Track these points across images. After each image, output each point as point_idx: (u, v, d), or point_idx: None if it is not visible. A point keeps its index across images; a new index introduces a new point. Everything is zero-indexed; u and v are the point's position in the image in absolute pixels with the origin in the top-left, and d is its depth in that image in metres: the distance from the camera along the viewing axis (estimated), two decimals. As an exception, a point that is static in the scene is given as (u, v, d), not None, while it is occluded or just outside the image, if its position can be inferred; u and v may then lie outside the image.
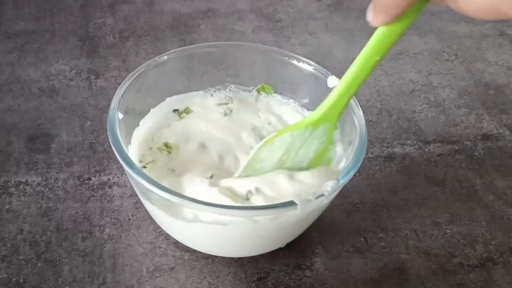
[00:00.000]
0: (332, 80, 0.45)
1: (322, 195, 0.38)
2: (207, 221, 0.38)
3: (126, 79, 0.44)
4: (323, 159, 0.43)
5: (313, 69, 0.48)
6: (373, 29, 0.73)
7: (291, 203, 0.37)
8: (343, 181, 0.39)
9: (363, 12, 0.79)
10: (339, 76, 0.62)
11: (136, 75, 0.44)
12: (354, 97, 0.44)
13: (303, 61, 0.48)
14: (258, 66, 0.49)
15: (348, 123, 0.44)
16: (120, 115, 0.42)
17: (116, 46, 0.64)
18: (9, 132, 0.53)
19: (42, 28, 0.65)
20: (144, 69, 0.45)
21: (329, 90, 0.46)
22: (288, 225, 0.40)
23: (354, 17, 0.71)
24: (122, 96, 0.43)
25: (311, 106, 0.48)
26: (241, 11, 0.71)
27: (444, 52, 0.67)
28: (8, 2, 0.69)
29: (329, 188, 0.38)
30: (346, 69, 0.63)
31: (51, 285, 0.42)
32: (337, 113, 0.41)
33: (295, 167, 0.42)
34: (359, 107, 0.44)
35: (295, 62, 0.48)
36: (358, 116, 0.43)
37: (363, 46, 0.69)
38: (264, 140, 0.41)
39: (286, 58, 0.48)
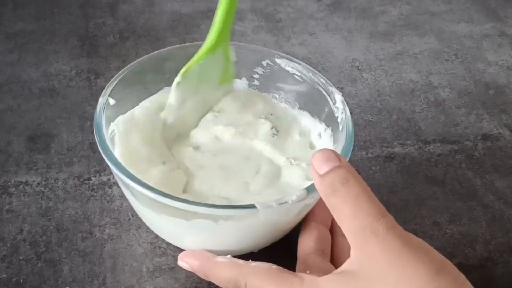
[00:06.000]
0: None
1: (285, 202, 0.37)
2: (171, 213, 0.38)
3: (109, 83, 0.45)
4: (226, 76, 0.48)
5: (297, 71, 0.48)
6: (374, 30, 0.73)
7: (252, 206, 0.36)
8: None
9: (363, 12, 0.79)
10: (339, 76, 0.62)
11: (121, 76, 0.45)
12: (343, 97, 0.45)
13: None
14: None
15: (334, 125, 0.44)
16: (112, 101, 0.43)
17: (116, 46, 0.64)
18: (9, 132, 0.53)
19: (42, 28, 0.65)
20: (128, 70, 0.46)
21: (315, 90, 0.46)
22: (252, 229, 0.39)
23: (354, 17, 0.71)
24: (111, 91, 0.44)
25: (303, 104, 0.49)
26: (241, 11, 0.70)
27: (444, 52, 0.67)
28: (8, 2, 0.69)
29: (294, 197, 0.37)
30: (346, 69, 0.63)
31: (51, 285, 0.42)
32: (227, 32, 0.45)
33: (209, 93, 0.47)
34: (346, 105, 0.44)
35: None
36: (346, 118, 0.43)
37: (363, 46, 0.69)
38: (175, 81, 0.44)
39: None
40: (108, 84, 0.44)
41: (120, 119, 0.44)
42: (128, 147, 0.43)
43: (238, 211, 0.37)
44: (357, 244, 0.33)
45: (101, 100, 0.43)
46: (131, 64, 0.46)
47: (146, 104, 0.47)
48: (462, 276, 0.32)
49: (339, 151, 0.41)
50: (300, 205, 0.38)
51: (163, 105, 0.47)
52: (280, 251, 0.42)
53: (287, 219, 0.41)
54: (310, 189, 0.38)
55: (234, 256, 0.38)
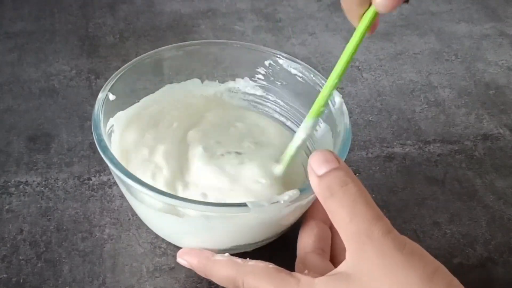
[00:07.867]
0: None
1: (277, 202, 0.37)
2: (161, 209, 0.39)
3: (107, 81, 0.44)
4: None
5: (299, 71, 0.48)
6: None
7: (243, 205, 0.36)
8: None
9: (363, 12, 0.77)
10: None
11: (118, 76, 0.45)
12: (342, 99, 0.44)
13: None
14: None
15: (333, 126, 0.44)
16: (112, 96, 0.43)
17: (116, 46, 0.64)
18: (9, 132, 0.53)
19: (42, 28, 0.65)
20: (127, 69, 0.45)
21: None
22: (244, 228, 0.39)
23: (354, 17, 0.71)
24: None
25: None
26: (241, 11, 0.71)
27: (444, 52, 0.67)
28: (8, 2, 0.69)
29: (286, 197, 0.37)
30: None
31: (51, 285, 0.42)
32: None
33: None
34: (344, 106, 0.44)
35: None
36: (344, 119, 0.43)
37: (363, 46, 0.69)
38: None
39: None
40: (108, 80, 0.44)
41: (120, 114, 0.45)
42: (125, 141, 0.44)
43: (229, 209, 0.37)
44: (353, 247, 0.33)
45: (101, 95, 0.43)
46: (131, 61, 0.46)
47: (146, 101, 0.47)
48: (455, 281, 0.32)
49: (335, 151, 0.41)
50: (292, 205, 0.38)
51: (162, 103, 0.47)
52: (279, 249, 0.42)
53: (280, 219, 0.41)
54: (303, 189, 0.38)
55: (232, 255, 0.39)
